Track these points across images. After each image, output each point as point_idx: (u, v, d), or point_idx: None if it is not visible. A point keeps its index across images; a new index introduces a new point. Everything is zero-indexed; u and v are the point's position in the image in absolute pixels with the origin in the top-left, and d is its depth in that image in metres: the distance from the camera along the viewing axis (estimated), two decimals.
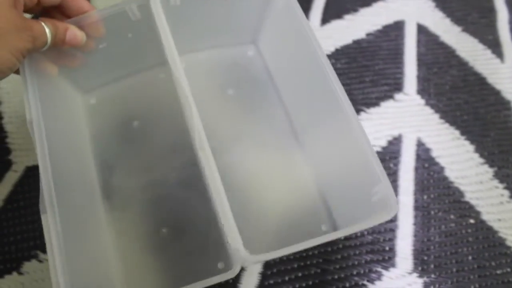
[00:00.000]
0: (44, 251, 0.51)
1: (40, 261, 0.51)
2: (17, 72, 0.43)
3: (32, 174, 0.57)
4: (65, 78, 0.54)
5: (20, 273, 0.50)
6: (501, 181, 0.58)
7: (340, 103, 0.46)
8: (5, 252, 0.52)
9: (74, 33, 0.45)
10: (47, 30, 0.42)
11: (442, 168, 0.59)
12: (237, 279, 0.50)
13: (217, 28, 0.59)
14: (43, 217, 0.39)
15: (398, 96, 0.66)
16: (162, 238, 0.50)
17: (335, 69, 0.68)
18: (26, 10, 0.42)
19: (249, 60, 0.63)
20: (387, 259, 0.52)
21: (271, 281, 0.50)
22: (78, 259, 0.41)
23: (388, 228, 0.54)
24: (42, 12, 0.45)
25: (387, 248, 0.52)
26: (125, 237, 0.50)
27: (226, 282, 0.49)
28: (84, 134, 0.56)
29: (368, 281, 0.50)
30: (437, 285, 0.50)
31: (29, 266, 0.51)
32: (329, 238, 0.39)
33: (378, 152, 0.60)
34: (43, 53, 0.44)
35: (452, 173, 0.59)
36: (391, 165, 0.59)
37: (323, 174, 0.53)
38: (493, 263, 0.52)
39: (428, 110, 0.65)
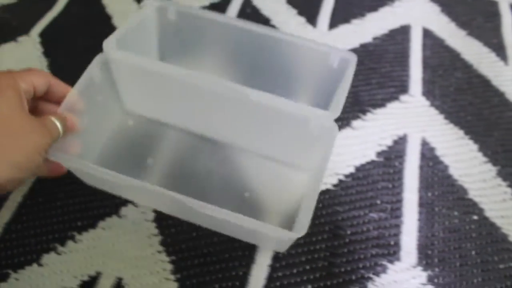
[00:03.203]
0: (62, 244, 0.53)
1: (59, 254, 0.53)
2: None
3: None
4: None
5: (40, 265, 0.52)
6: (504, 179, 0.60)
7: None
8: (25, 245, 0.54)
9: (71, 120, 0.46)
10: (57, 123, 0.44)
11: (446, 167, 0.61)
12: (247, 271, 0.52)
13: None
14: None
15: (403, 97, 0.68)
16: None
17: None
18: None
19: None
20: (392, 253, 0.53)
21: (280, 273, 0.52)
22: None
23: (394, 224, 0.56)
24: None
25: (392, 243, 0.54)
26: None
27: (237, 273, 0.51)
28: None
29: (373, 274, 0.52)
30: (441, 278, 0.52)
31: (48, 258, 0.53)
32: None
33: (383, 151, 0.62)
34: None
35: (456, 171, 0.60)
36: (397, 163, 0.61)
37: None
38: (495, 258, 0.53)
39: (433, 111, 0.67)
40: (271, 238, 0.48)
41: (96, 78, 0.52)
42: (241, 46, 0.59)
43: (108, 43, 0.51)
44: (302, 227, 0.42)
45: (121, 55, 0.51)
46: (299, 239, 0.54)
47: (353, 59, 0.53)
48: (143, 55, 0.60)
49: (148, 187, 0.44)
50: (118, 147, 0.59)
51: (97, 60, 0.51)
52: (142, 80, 0.55)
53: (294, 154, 0.57)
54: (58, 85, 0.47)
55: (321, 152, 0.50)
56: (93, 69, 0.51)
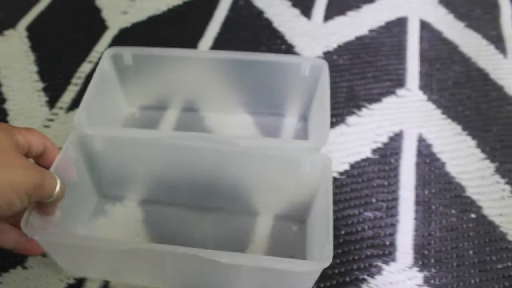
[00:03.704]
0: None
1: (44, 256, 0.51)
2: None
3: None
4: None
5: (24, 268, 0.51)
6: (503, 176, 0.58)
7: None
8: None
9: (62, 189, 0.43)
10: (58, 180, 0.42)
11: (443, 164, 0.59)
12: None
13: None
14: None
15: (400, 91, 0.67)
16: None
17: (337, 65, 0.69)
18: None
19: None
20: (387, 253, 0.52)
21: None
22: None
23: (389, 223, 0.54)
24: None
25: (387, 243, 0.53)
26: None
27: None
28: None
29: (368, 275, 0.50)
30: (437, 279, 0.50)
31: (33, 261, 0.51)
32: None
33: (379, 148, 0.60)
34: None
35: (454, 169, 0.59)
36: (392, 160, 0.59)
37: None
38: (494, 258, 0.52)
39: (430, 106, 0.65)
40: (295, 275, 0.43)
41: (72, 157, 0.49)
42: (210, 75, 0.58)
43: (79, 120, 0.49)
44: (327, 256, 0.39)
45: (95, 130, 0.49)
46: None
47: (324, 64, 0.54)
48: (113, 108, 0.59)
49: (161, 248, 0.40)
50: (98, 232, 0.54)
51: (71, 138, 0.48)
52: (119, 152, 0.52)
53: (289, 202, 0.54)
54: (53, 150, 0.45)
55: (318, 191, 0.49)
56: (69, 148, 0.48)
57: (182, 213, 0.55)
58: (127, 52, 0.56)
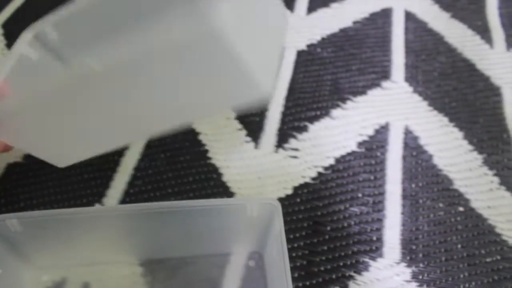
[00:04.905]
0: None
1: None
2: None
3: (13, 171, 0.56)
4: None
5: None
6: (491, 168, 0.57)
7: None
8: None
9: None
10: None
11: (430, 156, 0.58)
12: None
13: None
14: None
15: (385, 84, 0.66)
16: None
17: (321, 58, 0.68)
18: None
19: None
20: (374, 249, 0.51)
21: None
22: None
23: (376, 218, 0.53)
24: None
25: (374, 238, 0.51)
26: None
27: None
28: None
29: (355, 272, 0.49)
30: (425, 275, 0.49)
31: None
32: None
33: (365, 141, 0.59)
34: None
35: (441, 161, 0.58)
36: (378, 153, 0.58)
37: None
38: (482, 251, 0.51)
39: (416, 98, 0.64)
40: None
41: None
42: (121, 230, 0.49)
43: None
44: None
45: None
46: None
47: (277, 206, 0.44)
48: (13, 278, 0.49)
49: None
50: None
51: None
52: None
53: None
54: None
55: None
56: None
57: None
58: (11, 220, 0.44)
